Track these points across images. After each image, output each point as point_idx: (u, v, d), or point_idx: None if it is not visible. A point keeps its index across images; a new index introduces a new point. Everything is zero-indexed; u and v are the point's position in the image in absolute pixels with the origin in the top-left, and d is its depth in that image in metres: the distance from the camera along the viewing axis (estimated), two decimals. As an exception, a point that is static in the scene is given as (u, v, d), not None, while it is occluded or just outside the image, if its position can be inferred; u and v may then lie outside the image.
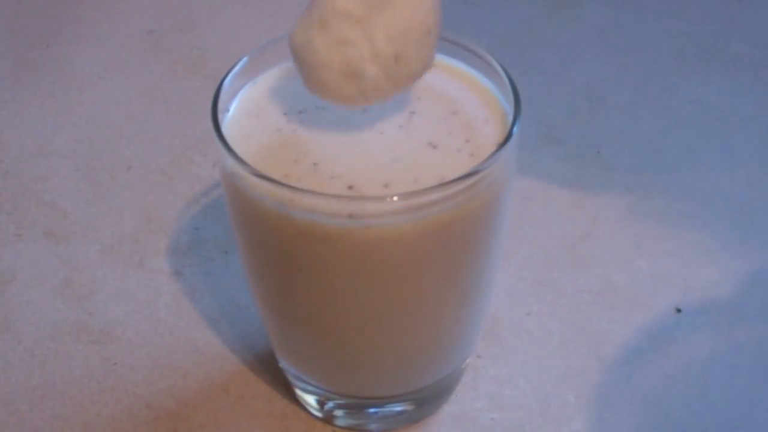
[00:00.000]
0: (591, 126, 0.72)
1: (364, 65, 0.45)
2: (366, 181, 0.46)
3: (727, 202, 0.66)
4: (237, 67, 0.50)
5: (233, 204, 0.49)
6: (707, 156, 0.70)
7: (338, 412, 0.54)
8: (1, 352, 0.58)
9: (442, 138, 0.48)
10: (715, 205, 0.66)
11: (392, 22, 0.45)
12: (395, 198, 0.44)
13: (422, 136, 0.48)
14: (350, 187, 0.45)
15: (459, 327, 0.52)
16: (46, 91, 0.76)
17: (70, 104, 0.75)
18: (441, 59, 0.52)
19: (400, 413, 0.54)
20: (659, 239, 0.64)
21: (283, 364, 0.54)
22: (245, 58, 0.51)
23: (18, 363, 0.58)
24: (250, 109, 0.50)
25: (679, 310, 0.60)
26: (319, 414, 0.55)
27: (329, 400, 0.54)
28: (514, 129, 0.47)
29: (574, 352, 0.57)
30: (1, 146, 0.71)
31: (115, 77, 0.77)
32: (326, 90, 0.46)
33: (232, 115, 0.50)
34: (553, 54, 0.79)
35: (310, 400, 0.54)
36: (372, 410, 0.54)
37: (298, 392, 0.55)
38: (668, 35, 0.80)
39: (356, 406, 0.54)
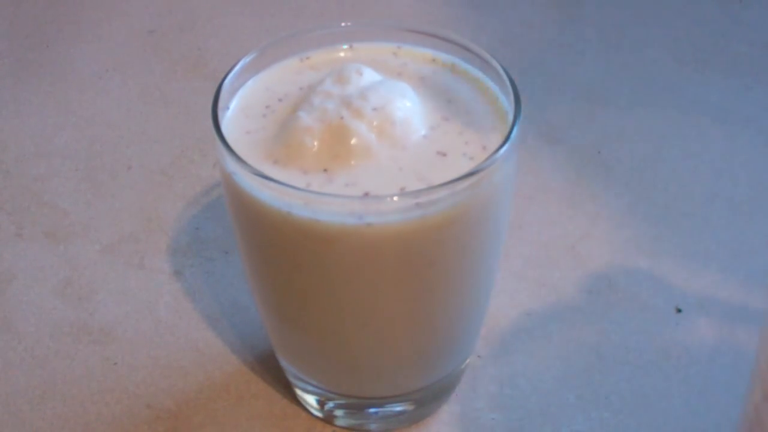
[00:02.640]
0: (591, 126, 0.72)
1: None
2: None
3: (727, 202, 0.66)
4: (237, 67, 0.50)
5: (233, 204, 0.49)
6: (707, 156, 0.70)
7: (338, 412, 0.54)
8: (1, 352, 0.58)
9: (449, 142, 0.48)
10: (715, 205, 0.66)
11: None
12: (395, 198, 0.44)
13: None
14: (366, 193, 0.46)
15: (459, 327, 0.52)
16: (46, 91, 0.76)
17: (70, 104, 0.75)
18: (444, 57, 0.52)
19: (401, 413, 0.54)
20: (659, 239, 0.64)
21: (284, 364, 0.54)
22: (245, 58, 0.51)
23: (18, 363, 0.58)
24: (249, 107, 0.50)
25: (679, 310, 0.60)
26: (319, 414, 0.55)
27: (329, 400, 0.54)
28: (514, 129, 0.47)
29: (574, 352, 0.57)
30: (1, 146, 0.71)
31: (115, 77, 0.77)
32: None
33: (231, 114, 0.50)
34: (553, 54, 0.79)
35: (311, 400, 0.54)
36: (372, 410, 0.54)
37: (299, 392, 0.55)
38: (668, 35, 0.80)
39: (356, 406, 0.54)
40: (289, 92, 0.51)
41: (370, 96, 0.48)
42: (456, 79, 0.51)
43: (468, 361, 0.55)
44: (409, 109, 0.48)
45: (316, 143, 0.47)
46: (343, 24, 0.53)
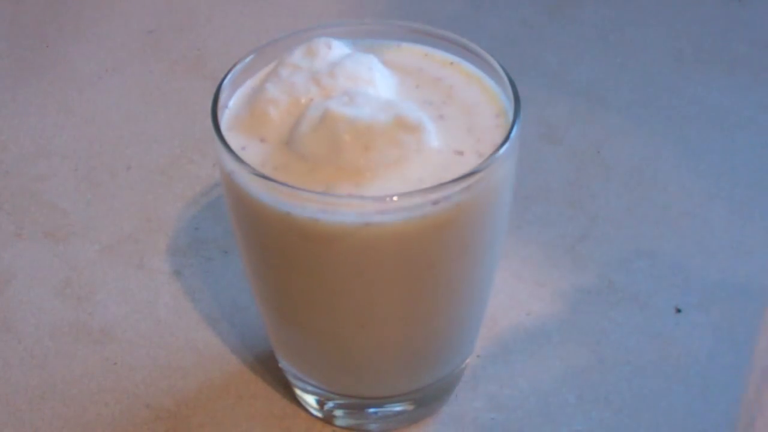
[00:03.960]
0: (591, 126, 0.72)
1: None
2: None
3: (727, 202, 0.66)
4: (236, 68, 0.50)
5: (233, 204, 0.49)
6: (707, 156, 0.70)
7: (338, 412, 0.54)
8: (1, 352, 0.58)
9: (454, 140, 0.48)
10: (715, 205, 0.66)
11: None
12: (395, 198, 0.44)
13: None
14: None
15: (459, 327, 0.52)
16: (46, 91, 0.76)
17: (70, 104, 0.75)
18: (444, 57, 0.52)
19: (400, 413, 0.54)
20: (659, 239, 0.64)
21: (283, 364, 0.54)
22: (245, 59, 0.51)
23: (18, 363, 0.58)
24: (248, 107, 0.50)
25: (679, 310, 0.60)
26: (319, 414, 0.55)
27: (329, 400, 0.53)
28: (514, 129, 0.47)
29: (574, 352, 0.57)
30: (1, 146, 0.71)
31: (115, 77, 0.77)
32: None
33: (230, 114, 0.50)
34: (553, 54, 0.79)
35: (310, 400, 0.54)
36: (372, 410, 0.54)
37: (298, 392, 0.55)
38: (668, 35, 0.80)
39: (356, 406, 0.54)
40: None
41: (338, 73, 0.48)
42: (455, 78, 0.51)
43: (468, 361, 0.55)
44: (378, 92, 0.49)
45: (280, 115, 0.48)
46: (343, 24, 0.53)
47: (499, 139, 0.48)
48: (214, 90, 0.49)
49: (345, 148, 0.46)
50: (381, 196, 0.45)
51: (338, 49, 0.50)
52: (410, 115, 0.46)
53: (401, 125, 0.46)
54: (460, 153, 0.47)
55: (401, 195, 0.44)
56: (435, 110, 0.49)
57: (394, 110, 0.46)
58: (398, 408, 0.54)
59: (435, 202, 0.44)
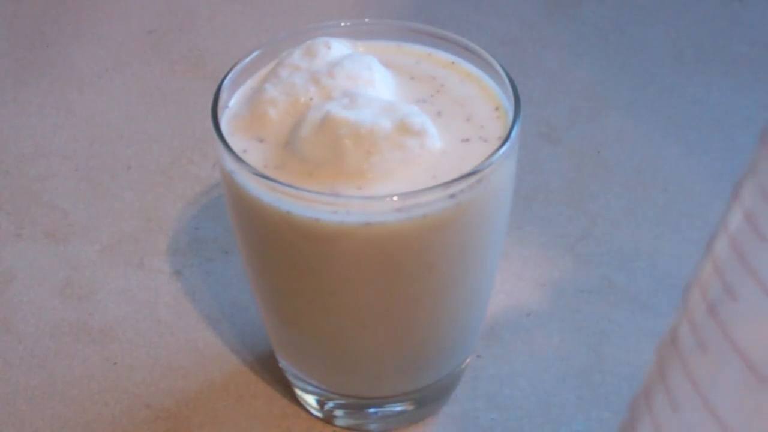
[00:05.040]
0: (591, 126, 0.72)
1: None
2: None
3: (727, 202, 0.66)
4: (237, 67, 0.50)
5: (233, 204, 0.49)
6: (707, 156, 0.70)
7: (338, 412, 0.54)
8: (1, 352, 0.58)
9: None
10: (715, 206, 0.66)
11: None
12: (395, 198, 0.44)
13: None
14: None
15: (459, 327, 0.52)
16: (46, 91, 0.76)
17: (70, 104, 0.75)
18: (444, 56, 0.52)
19: (400, 413, 0.54)
20: (659, 239, 0.64)
21: (283, 364, 0.54)
22: (245, 59, 0.51)
23: (18, 363, 0.58)
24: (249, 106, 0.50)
25: (679, 310, 0.60)
26: (319, 414, 0.55)
27: (329, 400, 0.54)
28: (514, 129, 0.47)
29: (574, 352, 0.57)
30: (1, 146, 0.71)
31: (115, 77, 0.77)
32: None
33: (231, 114, 0.50)
34: (553, 54, 0.79)
35: (310, 400, 0.54)
36: (372, 410, 0.54)
37: (298, 392, 0.55)
38: (668, 35, 0.80)
39: (356, 406, 0.54)
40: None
41: (338, 73, 0.48)
42: (455, 78, 0.51)
43: (468, 361, 0.55)
44: (377, 90, 0.49)
45: (279, 115, 0.48)
46: (342, 24, 0.53)
47: (499, 130, 0.48)
48: (214, 90, 0.49)
49: (347, 153, 0.45)
50: (381, 196, 0.45)
51: (338, 49, 0.50)
52: (413, 120, 0.46)
53: (404, 130, 0.46)
54: (467, 140, 0.47)
55: (401, 195, 0.44)
56: (431, 107, 0.49)
57: (397, 114, 0.46)
58: (398, 408, 0.54)
59: (435, 203, 0.44)
